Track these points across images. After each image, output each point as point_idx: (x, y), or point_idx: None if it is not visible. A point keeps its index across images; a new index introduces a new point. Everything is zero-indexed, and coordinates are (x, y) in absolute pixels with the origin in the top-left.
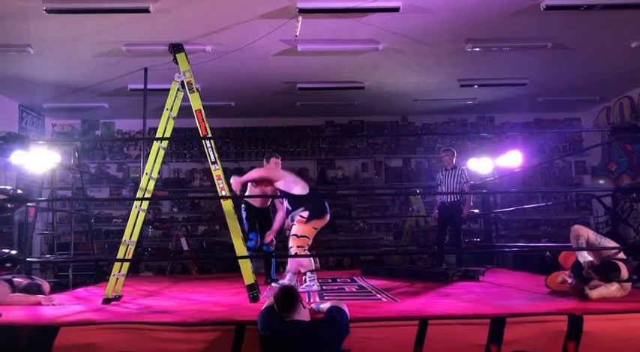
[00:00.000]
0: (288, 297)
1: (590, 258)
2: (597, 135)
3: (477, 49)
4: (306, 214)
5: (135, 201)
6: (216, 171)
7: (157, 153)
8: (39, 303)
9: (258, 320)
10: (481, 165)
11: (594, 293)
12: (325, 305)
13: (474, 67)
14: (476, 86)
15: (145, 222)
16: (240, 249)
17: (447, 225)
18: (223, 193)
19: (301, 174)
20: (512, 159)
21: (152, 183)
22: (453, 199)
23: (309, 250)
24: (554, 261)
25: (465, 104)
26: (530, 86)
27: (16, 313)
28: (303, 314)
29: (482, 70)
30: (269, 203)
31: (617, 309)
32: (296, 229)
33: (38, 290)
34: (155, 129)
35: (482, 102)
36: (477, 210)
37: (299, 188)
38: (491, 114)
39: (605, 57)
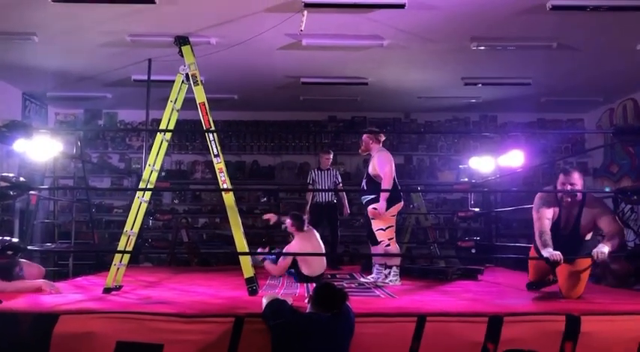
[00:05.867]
0: (337, 297)
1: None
2: (600, 137)
3: (482, 48)
4: (377, 205)
5: (137, 192)
6: (219, 164)
7: (160, 145)
8: (40, 288)
9: (269, 310)
10: (483, 164)
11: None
12: None
13: (478, 65)
14: (480, 85)
15: (146, 213)
16: (240, 242)
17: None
18: (225, 186)
19: (302, 169)
20: (514, 158)
21: (155, 175)
22: (328, 199)
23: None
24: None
25: (469, 102)
26: (534, 86)
27: (16, 300)
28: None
29: (487, 69)
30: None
31: (615, 310)
32: (379, 222)
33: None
34: (158, 121)
35: (485, 101)
36: (477, 209)
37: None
38: (494, 113)
39: (610, 58)
